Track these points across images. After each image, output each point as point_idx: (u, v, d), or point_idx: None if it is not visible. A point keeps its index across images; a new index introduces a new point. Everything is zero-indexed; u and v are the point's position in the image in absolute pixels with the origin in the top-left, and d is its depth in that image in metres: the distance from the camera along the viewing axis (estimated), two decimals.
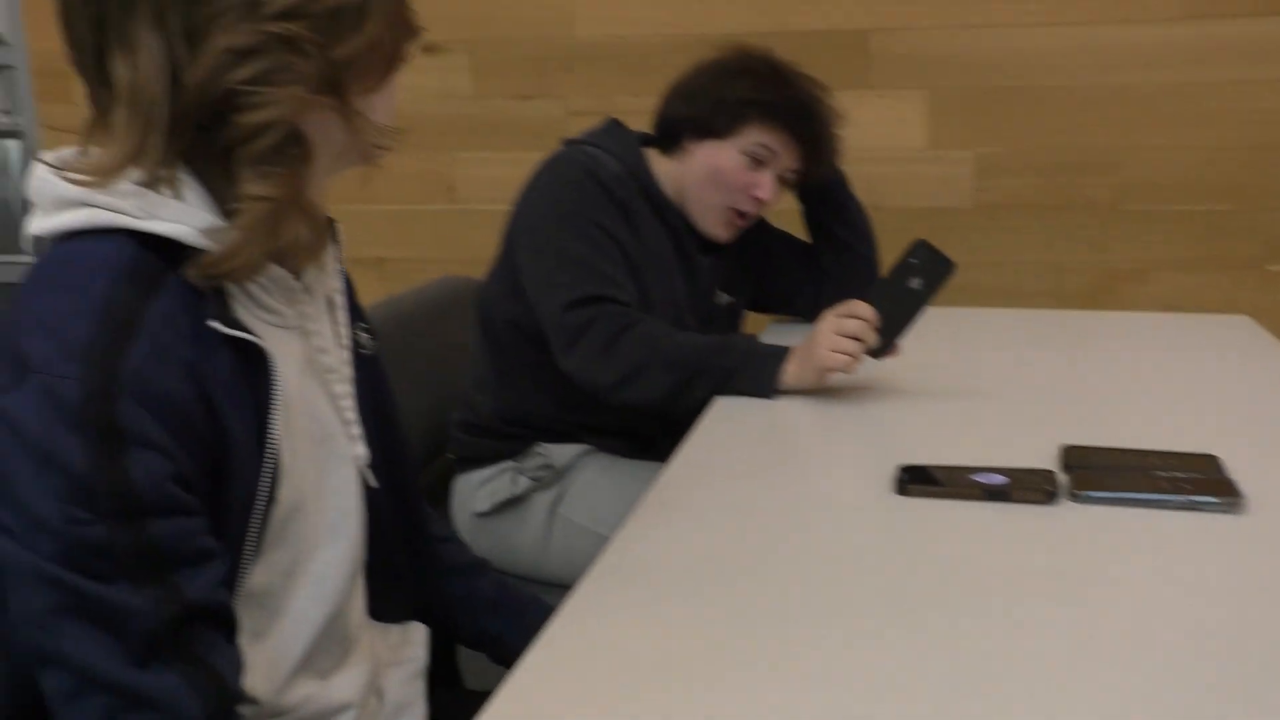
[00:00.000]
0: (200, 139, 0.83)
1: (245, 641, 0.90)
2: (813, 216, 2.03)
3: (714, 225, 1.84)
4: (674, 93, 1.85)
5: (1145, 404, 1.51)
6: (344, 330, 1.02)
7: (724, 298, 1.95)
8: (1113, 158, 2.40)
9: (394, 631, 1.13)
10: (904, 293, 1.55)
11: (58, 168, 0.84)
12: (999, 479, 1.19)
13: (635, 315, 1.64)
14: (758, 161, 1.78)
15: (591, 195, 1.71)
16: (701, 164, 1.80)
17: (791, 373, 1.57)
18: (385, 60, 0.89)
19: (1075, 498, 1.16)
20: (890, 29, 2.45)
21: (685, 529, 1.12)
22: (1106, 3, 2.34)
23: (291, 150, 0.84)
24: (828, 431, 1.46)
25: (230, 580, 0.88)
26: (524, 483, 1.79)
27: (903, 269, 1.55)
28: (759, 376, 1.57)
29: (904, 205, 2.50)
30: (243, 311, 0.89)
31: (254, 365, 0.87)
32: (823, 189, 1.99)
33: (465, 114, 2.66)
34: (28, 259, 3.39)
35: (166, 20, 0.80)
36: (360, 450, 1.01)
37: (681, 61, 2.53)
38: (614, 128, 1.87)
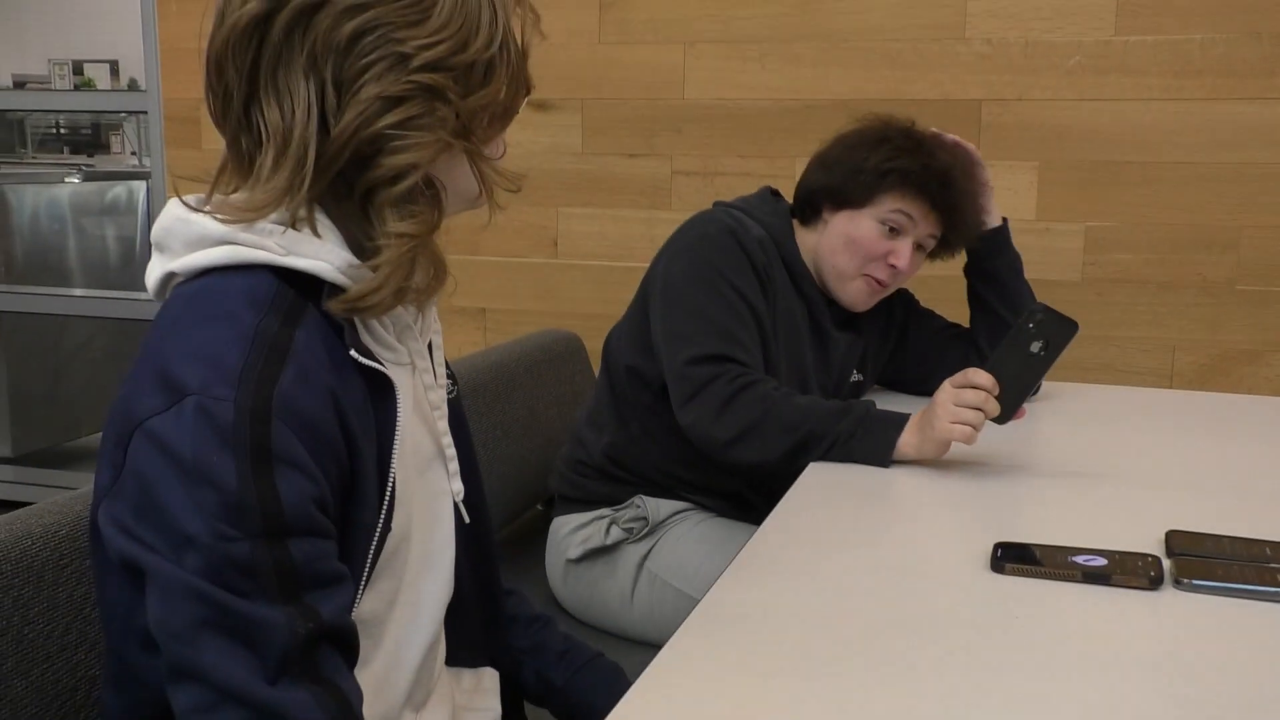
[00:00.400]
0: (338, 182, 0.89)
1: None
2: (971, 287, 2.01)
3: (851, 294, 1.83)
4: (814, 163, 1.85)
5: (1257, 491, 1.46)
6: (441, 371, 1.06)
7: (856, 375, 1.94)
8: (1229, 236, 2.35)
9: (467, 676, 1.14)
10: (1026, 357, 1.49)
11: (196, 208, 0.90)
12: (1099, 561, 1.15)
13: (756, 375, 1.64)
14: (895, 230, 1.78)
15: (731, 256, 1.72)
16: (839, 233, 1.79)
17: (910, 443, 1.55)
18: (504, 111, 0.94)
19: (1180, 585, 1.12)
20: (1003, 100, 2.43)
21: (776, 592, 1.11)
22: (1227, 80, 2.30)
23: (427, 191, 0.90)
24: (926, 502, 1.43)
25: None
26: (616, 533, 1.79)
27: (1023, 333, 1.50)
28: (877, 445, 1.56)
29: None
30: (369, 346, 0.93)
31: (379, 395, 0.91)
32: (977, 258, 1.96)
33: (573, 170, 2.70)
34: (150, 297, 3.50)
35: (320, 70, 0.86)
36: (458, 486, 1.05)
37: (791, 126, 2.54)
38: (767, 195, 1.89)
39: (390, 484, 0.92)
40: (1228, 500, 1.41)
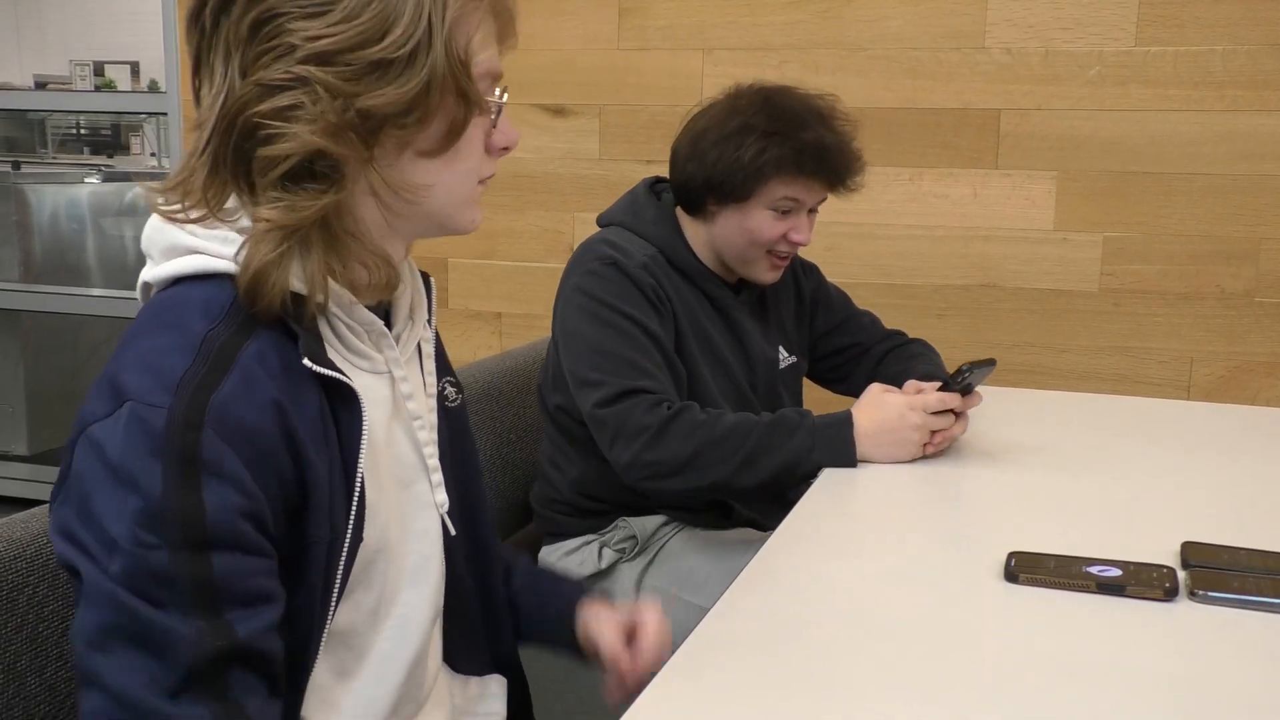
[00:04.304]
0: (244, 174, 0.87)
1: (334, 681, 0.91)
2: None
3: (758, 274, 1.81)
4: (682, 154, 1.80)
5: (1273, 504, 1.45)
6: (430, 380, 1.05)
7: (787, 358, 1.94)
8: (1248, 247, 2.34)
9: (473, 683, 1.14)
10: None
11: (170, 217, 0.89)
12: (1113, 572, 1.15)
13: (673, 404, 1.63)
14: (786, 211, 1.77)
15: (618, 287, 1.71)
16: (733, 228, 1.77)
17: (871, 450, 1.58)
18: (446, 128, 0.90)
19: (1195, 596, 1.12)
20: (1022, 109, 2.42)
21: (785, 602, 1.10)
22: (1248, 92, 2.29)
23: (310, 185, 0.86)
24: (938, 512, 1.43)
25: (320, 618, 0.89)
26: (610, 555, 1.79)
27: (956, 383, 1.60)
28: (836, 448, 1.57)
29: (1026, 286, 2.47)
30: (335, 354, 0.92)
31: (343, 404, 0.90)
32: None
33: (590, 175, 2.70)
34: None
35: (232, 56, 0.86)
36: (441, 497, 1.03)
37: None
38: (647, 195, 1.86)
39: (357, 494, 0.90)
40: (1244, 512, 1.41)
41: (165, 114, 3.18)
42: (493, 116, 0.94)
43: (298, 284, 0.87)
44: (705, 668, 0.95)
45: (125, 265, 4.02)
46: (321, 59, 0.84)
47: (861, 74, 2.51)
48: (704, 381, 1.77)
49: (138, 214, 4.03)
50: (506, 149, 0.98)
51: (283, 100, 0.84)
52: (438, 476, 1.03)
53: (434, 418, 1.04)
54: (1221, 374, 2.39)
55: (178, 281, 0.89)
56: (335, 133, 0.85)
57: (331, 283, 0.90)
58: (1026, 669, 0.96)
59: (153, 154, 5.77)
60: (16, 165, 4.47)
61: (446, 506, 1.04)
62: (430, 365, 1.05)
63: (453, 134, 0.90)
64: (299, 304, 0.88)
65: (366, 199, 0.91)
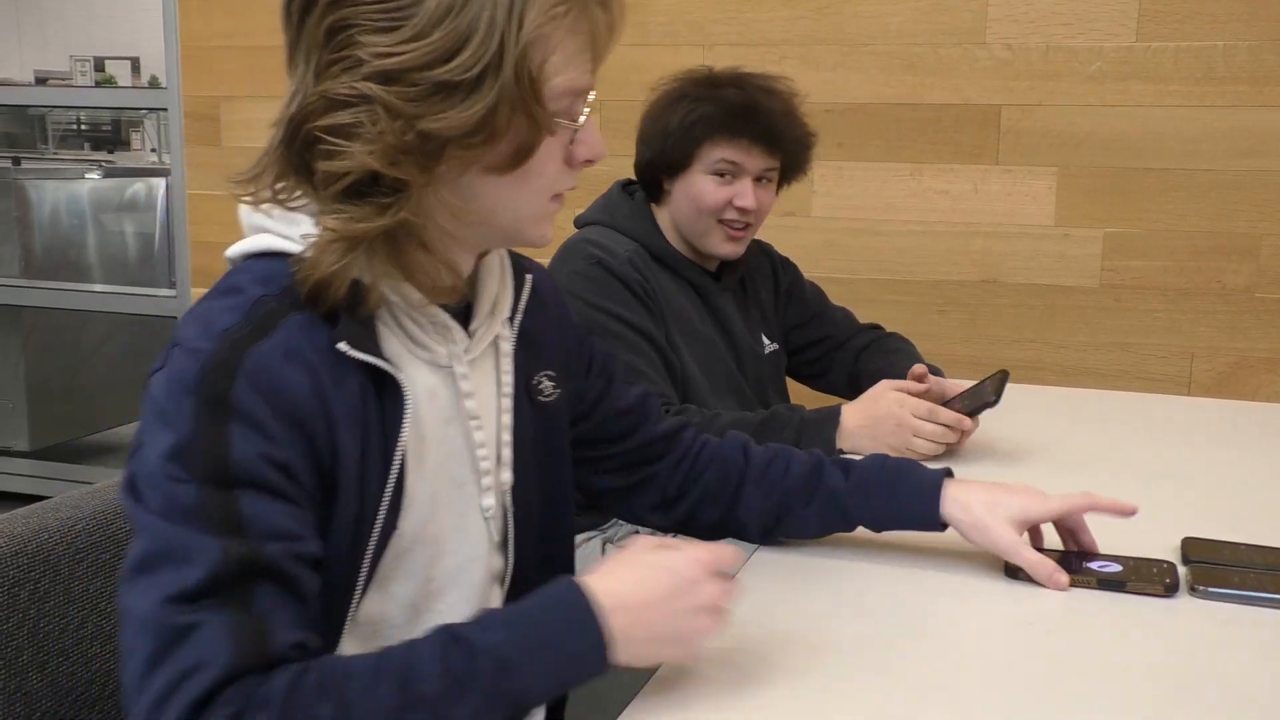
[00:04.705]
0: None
1: None
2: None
3: (716, 245, 1.82)
4: (637, 143, 1.85)
5: (1274, 499, 1.45)
6: (507, 378, 1.03)
7: (769, 345, 1.95)
8: (1249, 243, 2.34)
9: None
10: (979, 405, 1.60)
11: (245, 201, 0.93)
12: (1114, 567, 1.15)
13: (670, 405, 1.63)
14: (727, 175, 1.77)
15: (606, 287, 1.72)
16: (682, 200, 1.80)
17: (862, 442, 1.58)
18: (515, 147, 0.89)
19: (1196, 592, 1.12)
20: (1023, 105, 2.42)
21: (786, 595, 1.11)
22: (1249, 88, 2.29)
23: (373, 200, 0.86)
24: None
25: (344, 602, 0.90)
26: (613, 551, 1.78)
27: (982, 393, 1.59)
28: (820, 444, 1.57)
29: (1027, 282, 2.46)
30: (392, 341, 0.92)
31: (388, 392, 0.90)
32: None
33: (589, 172, 2.69)
34: (169, 293, 3.53)
35: (310, 57, 0.86)
36: (489, 501, 1.01)
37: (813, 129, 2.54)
38: (620, 194, 1.88)
39: (391, 481, 0.90)
40: (1244, 508, 1.41)
41: (165, 110, 3.18)
42: (573, 133, 0.93)
43: (364, 280, 0.89)
44: (706, 663, 0.95)
45: (125, 261, 4.02)
46: (387, 77, 0.83)
47: (862, 70, 2.51)
48: (693, 372, 1.77)
49: (139, 209, 4.03)
50: (590, 161, 0.97)
51: (344, 117, 0.84)
52: (489, 480, 1.01)
53: (507, 417, 1.03)
54: (1222, 370, 2.39)
55: (248, 258, 0.92)
56: (393, 156, 0.84)
57: (404, 286, 0.91)
58: (1026, 666, 0.97)
59: (153, 150, 5.77)
60: (17, 161, 4.47)
61: (491, 511, 1.02)
62: (507, 364, 1.03)
63: (522, 154, 0.89)
64: (356, 293, 0.88)
65: (433, 212, 0.91)
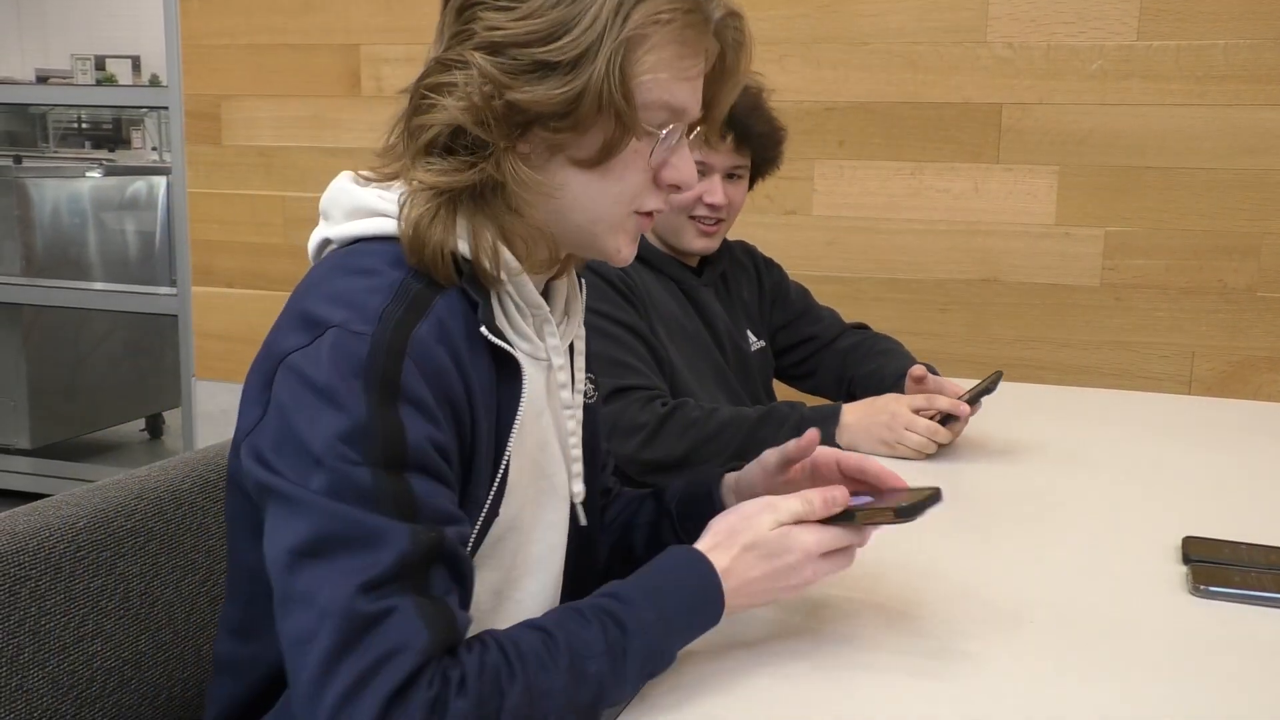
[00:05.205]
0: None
1: None
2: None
3: (689, 241, 1.82)
4: None
5: (1275, 499, 1.45)
6: (580, 376, 1.07)
7: (756, 341, 1.95)
8: (1250, 242, 2.34)
9: None
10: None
11: (363, 181, 0.95)
12: (866, 499, 1.07)
13: (667, 400, 1.64)
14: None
15: (592, 289, 1.71)
16: None
17: (859, 438, 1.59)
18: (601, 142, 0.91)
19: (1196, 592, 1.12)
20: (1024, 104, 2.42)
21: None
22: (1250, 86, 2.29)
23: (465, 156, 0.90)
24: (938, 509, 1.42)
25: None
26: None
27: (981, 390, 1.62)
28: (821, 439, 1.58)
29: (1028, 280, 2.46)
30: (508, 330, 0.95)
31: (507, 379, 0.92)
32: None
33: None
34: (169, 291, 3.53)
35: (444, 31, 0.92)
36: (579, 488, 1.05)
37: (810, 127, 2.55)
38: None
39: (503, 468, 0.93)
40: (1245, 507, 1.41)
41: (166, 108, 3.18)
42: (656, 144, 0.93)
43: (463, 246, 0.91)
44: (704, 660, 0.96)
45: (126, 259, 4.02)
46: (492, 48, 0.88)
47: (863, 68, 2.51)
48: (679, 368, 1.78)
49: (139, 208, 4.04)
50: (676, 188, 0.97)
51: (445, 77, 0.90)
52: (578, 468, 1.05)
53: (580, 412, 1.07)
54: (1223, 369, 2.39)
55: (358, 241, 0.93)
56: (480, 115, 0.88)
57: (502, 249, 0.93)
58: (1026, 665, 0.97)
59: (154, 148, 5.78)
60: (18, 159, 4.48)
61: (582, 497, 1.06)
62: (580, 362, 1.07)
63: (607, 150, 0.91)
64: (467, 269, 0.91)
65: (521, 187, 0.93)
